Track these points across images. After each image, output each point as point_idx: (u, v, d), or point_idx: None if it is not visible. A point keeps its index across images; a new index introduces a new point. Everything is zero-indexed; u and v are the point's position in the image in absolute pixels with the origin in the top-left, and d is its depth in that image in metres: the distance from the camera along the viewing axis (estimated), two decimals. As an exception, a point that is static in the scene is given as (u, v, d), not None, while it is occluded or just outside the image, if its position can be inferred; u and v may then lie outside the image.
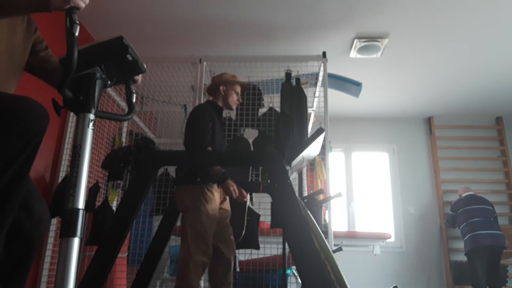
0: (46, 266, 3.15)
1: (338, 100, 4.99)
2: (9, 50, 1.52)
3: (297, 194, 1.73)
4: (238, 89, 2.71)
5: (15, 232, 1.43)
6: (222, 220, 2.49)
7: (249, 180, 2.99)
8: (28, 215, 1.46)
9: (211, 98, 2.74)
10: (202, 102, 3.46)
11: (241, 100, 2.77)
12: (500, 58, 4.20)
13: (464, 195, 4.62)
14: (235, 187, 2.35)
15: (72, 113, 3.47)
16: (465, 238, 4.33)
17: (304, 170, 3.82)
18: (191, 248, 2.27)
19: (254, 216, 2.95)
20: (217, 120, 2.59)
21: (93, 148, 3.56)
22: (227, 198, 2.55)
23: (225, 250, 2.46)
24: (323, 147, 3.16)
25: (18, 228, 1.43)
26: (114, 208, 3.35)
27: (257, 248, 2.94)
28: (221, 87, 2.66)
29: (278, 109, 3.35)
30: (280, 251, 3.22)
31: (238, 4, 3.42)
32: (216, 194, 2.43)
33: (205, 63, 3.52)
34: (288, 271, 3.47)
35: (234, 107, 2.71)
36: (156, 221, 2.80)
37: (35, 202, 1.50)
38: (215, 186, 2.43)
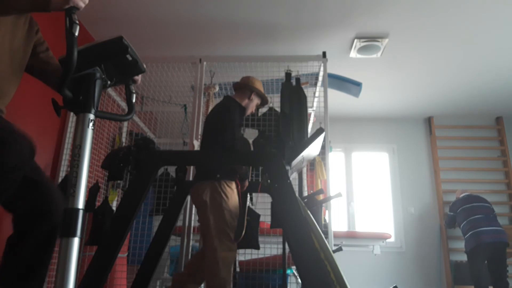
0: (46, 266, 3.14)
1: (338, 100, 5.00)
2: (10, 51, 1.52)
3: (297, 194, 1.73)
4: (259, 102, 2.82)
5: (39, 224, 1.42)
6: None
7: (249, 180, 2.99)
8: (50, 205, 1.45)
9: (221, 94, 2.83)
10: (202, 102, 3.46)
11: (254, 112, 2.92)
12: (500, 58, 4.20)
13: (461, 195, 4.62)
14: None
15: (72, 113, 3.47)
16: (466, 236, 4.27)
17: (304, 170, 3.82)
18: (217, 245, 2.28)
19: (254, 216, 2.95)
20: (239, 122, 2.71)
21: (93, 148, 3.55)
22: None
23: None
24: (323, 147, 3.16)
25: (42, 220, 1.42)
26: (114, 208, 3.35)
27: (257, 248, 2.93)
28: (253, 93, 2.74)
29: (278, 109, 3.35)
30: (280, 251, 3.22)
31: (238, 4, 3.42)
32: (235, 191, 2.46)
33: (205, 63, 3.51)
34: (288, 271, 3.47)
35: (247, 114, 2.80)
36: (156, 221, 2.80)
37: (52, 192, 1.49)
38: (233, 183, 2.46)
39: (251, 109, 2.76)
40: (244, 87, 2.74)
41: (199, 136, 3.28)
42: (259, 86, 2.77)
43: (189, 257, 2.99)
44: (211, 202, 2.35)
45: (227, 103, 2.65)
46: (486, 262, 4.17)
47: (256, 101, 2.77)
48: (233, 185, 2.45)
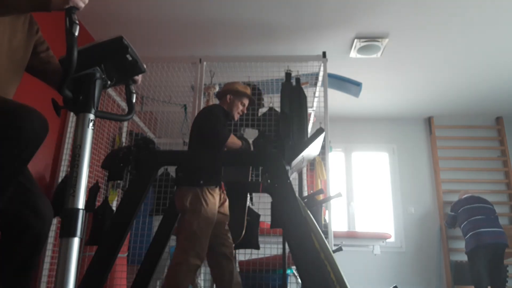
0: (46, 266, 3.14)
1: (338, 100, 4.99)
2: (10, 51, 1.52)
3: (297, 194, 1.73)
4: (246, 101, 2.74)
5: (22, 232, 1.45)
6: (222, 225, 2.48)
7: (249, 180, 2.99)
8: (35, 215, 1.48)
9: (214, 102, 2.79)
10: (202, 102, 3.47)
11: (245, 111, 2.80)
12: (500, 58, 4.20)
13: (464, 196, 4.62)
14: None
15: (72, 113, 3.47)
16: (467, 236, 4.28)
17: (304, 170, 3.82)
18: (187, 250, 2.26)
19: (254, 216, 2.95)
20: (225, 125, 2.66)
21: (93, 148, 3.55)
22: (226, 201, 2.55)
23: (226, 251, 2.45)
24: (323, 147, 3.16)
25: (26, 228, 1.45)
26: (114, 208, 3.35)
27: (257, 248, 2.93)
28: (228, 96, 2.70)
29: (278, 109, 3.35)
30: (280, 251, 3.22)
31: (238, 4, 3.42)
32: (216, 197, 2.42)
33: (205, 63, 3.52)
34: (288, 271, 3.47)
35: (236, 118, 2.74)
36: (156, 221, 2.80)
37: (40, 202, 1.52)
38: (216, 189, 2.43)
39: (236, 111, 2.70)
40: (222, 93, 2.76)
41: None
42: (236, 86, 2.73)
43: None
44: (190, 207, 2.33)
45: (209, 107, 2.70)
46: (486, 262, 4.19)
47: (237, 101, 2.70)
48: (216, 192, 2.42)
